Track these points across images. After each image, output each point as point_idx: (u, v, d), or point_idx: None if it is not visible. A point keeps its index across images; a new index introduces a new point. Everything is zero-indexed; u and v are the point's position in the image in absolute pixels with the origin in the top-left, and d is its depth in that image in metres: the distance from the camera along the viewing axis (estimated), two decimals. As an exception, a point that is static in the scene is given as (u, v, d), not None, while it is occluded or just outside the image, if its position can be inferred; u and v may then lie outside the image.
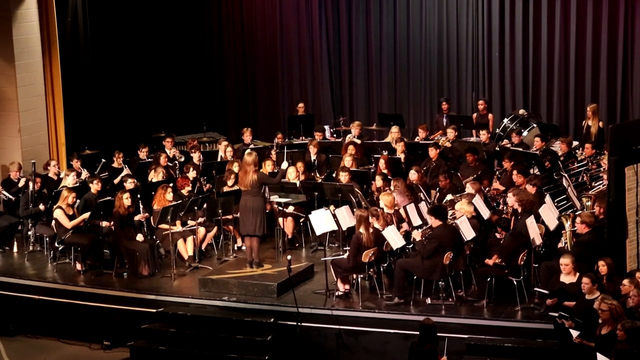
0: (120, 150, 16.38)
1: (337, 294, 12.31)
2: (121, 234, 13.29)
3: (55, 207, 13.69)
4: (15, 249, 14.72)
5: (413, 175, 14.21)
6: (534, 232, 11.84)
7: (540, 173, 14.53)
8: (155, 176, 15.03)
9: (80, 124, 18.36)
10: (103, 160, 16.19)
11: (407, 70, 19.89)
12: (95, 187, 14.13)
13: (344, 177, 14.35)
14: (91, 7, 18.79)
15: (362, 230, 12.08)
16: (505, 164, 14.80)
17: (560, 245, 12.26)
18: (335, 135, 18.45)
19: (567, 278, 11.11)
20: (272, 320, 12.05)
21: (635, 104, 17.81)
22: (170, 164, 15.97)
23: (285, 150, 15.70)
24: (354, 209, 13.06)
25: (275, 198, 14.02)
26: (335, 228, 13.13)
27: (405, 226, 12.91)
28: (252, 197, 12.98)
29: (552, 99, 18.60)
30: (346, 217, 13.01)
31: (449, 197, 13.48)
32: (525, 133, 16.94)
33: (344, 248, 13.26)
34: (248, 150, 13.95)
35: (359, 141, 16.64)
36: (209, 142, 18.80)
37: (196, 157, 16.01)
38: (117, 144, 17.42)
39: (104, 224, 13.63)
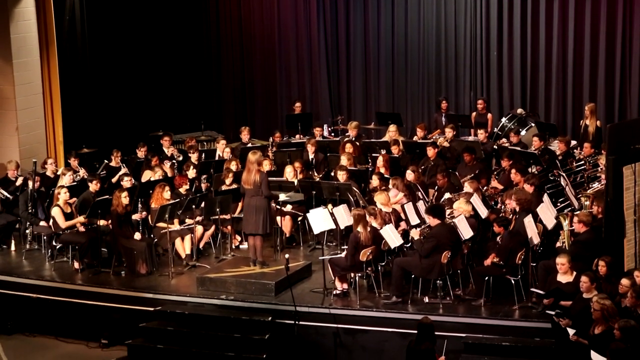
0: (118, 148, 16.35)
1: (334, 292, 12.30)
2: (119, 233, 13.28)
3: (53, 205, 13.69)
4: (13, 248, 14.70)
5: (410, 174, 14.21)
6: (532, 231, 11.84)
7: (538, 172, 14.54)
8: (152, 175, 15.02)
9: (78, 122, 18.36)
10: (105, 161, 16.12)
11: (405, 69, 19.88)
12: (93, 187, 14.13)
13: (341, 176, 14.34)
14: (89, 6, 18.77)
15: (359, 229, 12.06)
16: (503, 163, 14.83)
17: (558, 244, 12.25)
18: (333, 134, 18.44)
19: (563, 277, 11.10)
20: (269, 318, 12.04)
21: (633, 103, 17.78)
22: (168, 162, 15.97)
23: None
24: (352, 208, 13.05)
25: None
26: (333, 227, 13.11)
27: (403, 225, 12.91)
28: (256, 197, 12.94)
29: (550, 98, 18.57)
30: (344, 216, 12.99)
31: (447, 196, 13.49)
32: (523, 132, 16.94)
33: (342, 247, 13.24)
34: (253, 150, 13.91)
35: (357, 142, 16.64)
36: (206, 141, 18.78)
37: (194, 157, 15.97)
38: (114, 142, 17.40)
39: (102, 222, 13.64)
